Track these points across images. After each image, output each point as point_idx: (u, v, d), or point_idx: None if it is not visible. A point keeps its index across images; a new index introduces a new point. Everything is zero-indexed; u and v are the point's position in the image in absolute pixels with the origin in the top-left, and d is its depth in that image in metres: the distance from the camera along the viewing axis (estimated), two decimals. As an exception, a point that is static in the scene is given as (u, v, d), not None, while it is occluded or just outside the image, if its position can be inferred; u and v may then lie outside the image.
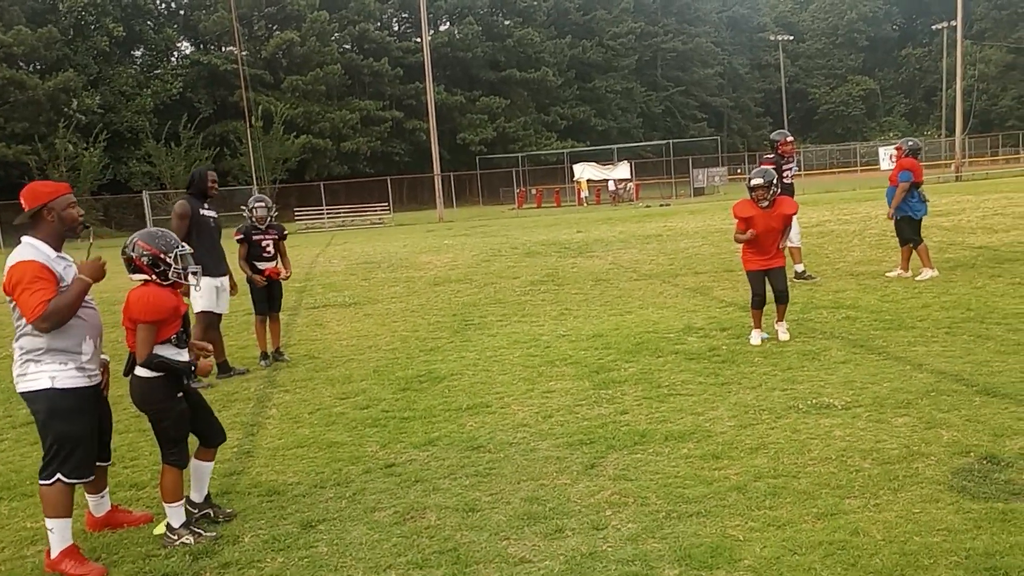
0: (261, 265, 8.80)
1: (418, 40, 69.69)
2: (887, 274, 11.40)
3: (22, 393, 4.14)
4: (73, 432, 4.11)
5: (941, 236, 15.62)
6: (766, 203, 7.79)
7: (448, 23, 79.29)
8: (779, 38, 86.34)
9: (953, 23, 55.31)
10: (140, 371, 4.28)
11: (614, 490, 4.56)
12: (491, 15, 77.72)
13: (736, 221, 7.98)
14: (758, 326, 8.01)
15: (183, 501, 4.40)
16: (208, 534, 4.34)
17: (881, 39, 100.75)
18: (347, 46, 71.97)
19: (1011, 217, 17.84)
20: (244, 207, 8.92)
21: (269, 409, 6.91)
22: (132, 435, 6.32)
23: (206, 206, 8.22)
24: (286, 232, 9.21)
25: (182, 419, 4.37)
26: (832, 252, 14.30)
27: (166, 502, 4.35)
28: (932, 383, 6.06)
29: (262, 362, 8.77)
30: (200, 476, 4.63)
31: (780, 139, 11.70)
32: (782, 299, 8.07)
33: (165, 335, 4.28)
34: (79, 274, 4.15)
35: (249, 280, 8.80)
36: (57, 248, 4.21)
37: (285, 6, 66.02)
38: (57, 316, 4.01)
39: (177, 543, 4.26)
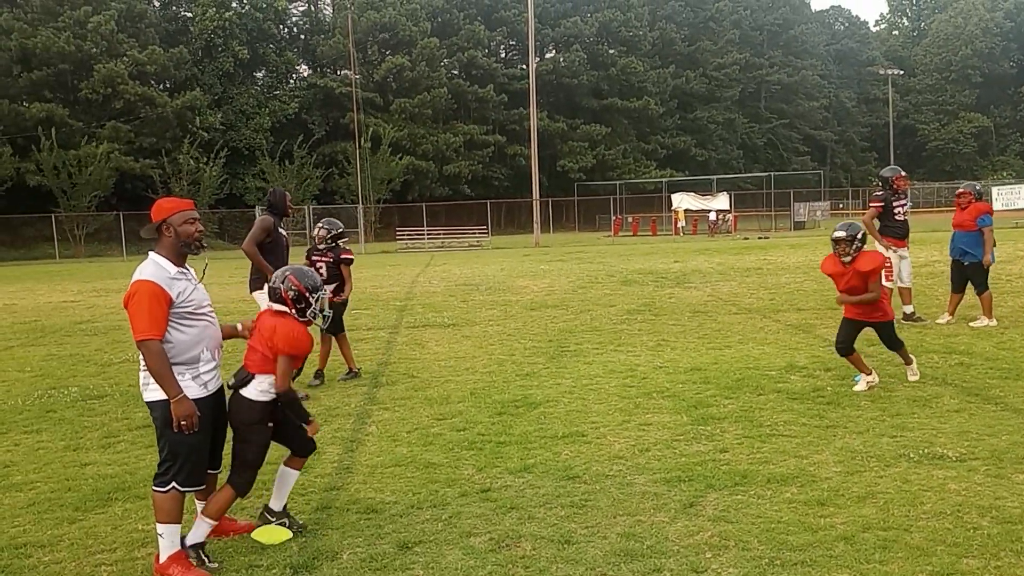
0: None
1: (524, 67, 70.56)
2: (936, 322, 10.93)
3: (147, 402, 4.33)
4: (188, 442, 4.26)
5: (1064, 283, 14.87)
6: (848, 259, 7.48)
7: (554, 51, 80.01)
8: (888, 72, 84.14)
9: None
10: (248, 392, 4.49)
11: (714, 532, 4.46)
12: (596, 44, 78.06)
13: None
14: (861, 370, 7.68)
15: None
16: (211, 564, 4.31)
17: (997, 76, 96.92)
18: (455, 71, 73.40)
19: None
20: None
21: (369, 426, 7.02)
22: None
23: (282, 225, 8.51)
24: (350, 258, 8.99)
25: (263, 447, 4.56)
26: (942, 294, 13.71)
27: (204, 515, 4.43)
28: (1056, 439, 5.74)
29: (313, 381, 8.75)
30: (285, 484, 4.76)
31: (893, 175, 11.34)
32: (892, 348, 7.76)
33: (294, 368, 4.55)
34: (183, 398, 4.18)
35: None
36: (178, 263, 4.38)
37: (398, 32, 67.80)
38: (149, 356, 4.16)
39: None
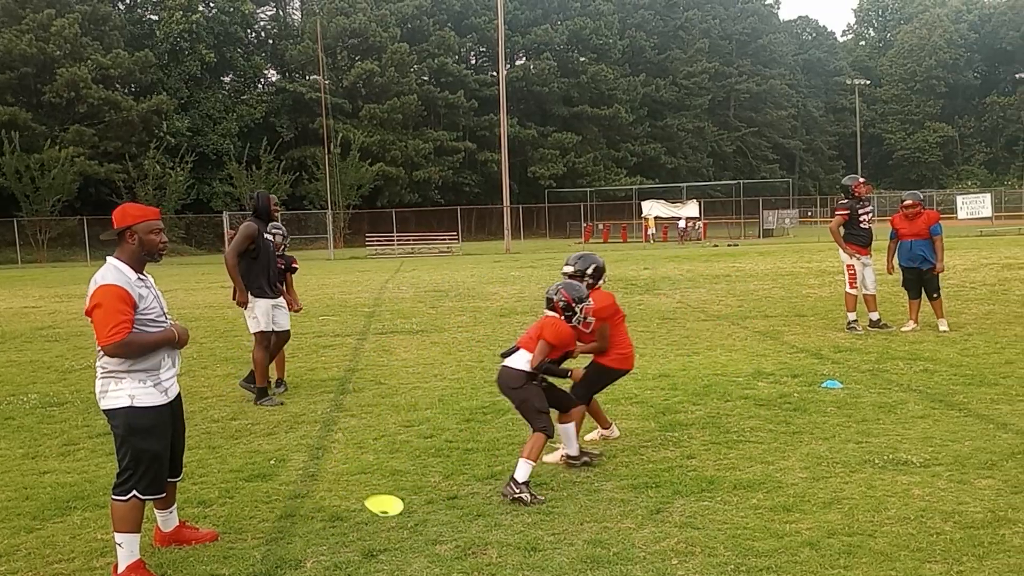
0: None
1: (494, 74, 70.60)
2: (902, 329, 11.05)
3: (104, 410, 4.25)
4: (150, 449, 4.18)
5: (1025, 290, 15.11)
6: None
7: (524, 58, 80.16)
8: (855, 82, 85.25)
9: (1040, 72, 54.01)
10: (511, 362, 5.47)
11: (680, 538, 4.45)
12: (567, 51, 78.35)
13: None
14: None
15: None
16: (539, 498, 5.08)
17: (961, 86, 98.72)
18: (425, 78, 73.25)
19: (1100, 274, 17.14)
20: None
21: (335, 433, 6.95)
22: (202, 452, 6.42)
23: (268, 229, 8.40)
24: (295, 265, 9.08)
25: (540, 396, 5.42)
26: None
27: (523, 456, 5.17)
28: (1018, 444, 5.80)
29: (278, 388, 8.71)
30: (568, 435, 5.71)
31: (852, 183, 11.47)
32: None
33: (551, 356, 5.45)
34: (174, 328, 4.34)
35: None
36: (138, 270, 4.31)
37: (367, 37, 67.59)
38: (129, 350, 4.11)
39: (517, 494, 5.06)
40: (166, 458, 4.32)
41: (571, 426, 5.70)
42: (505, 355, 5.55)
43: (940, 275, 11.08)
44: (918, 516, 4.59)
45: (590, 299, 5.58)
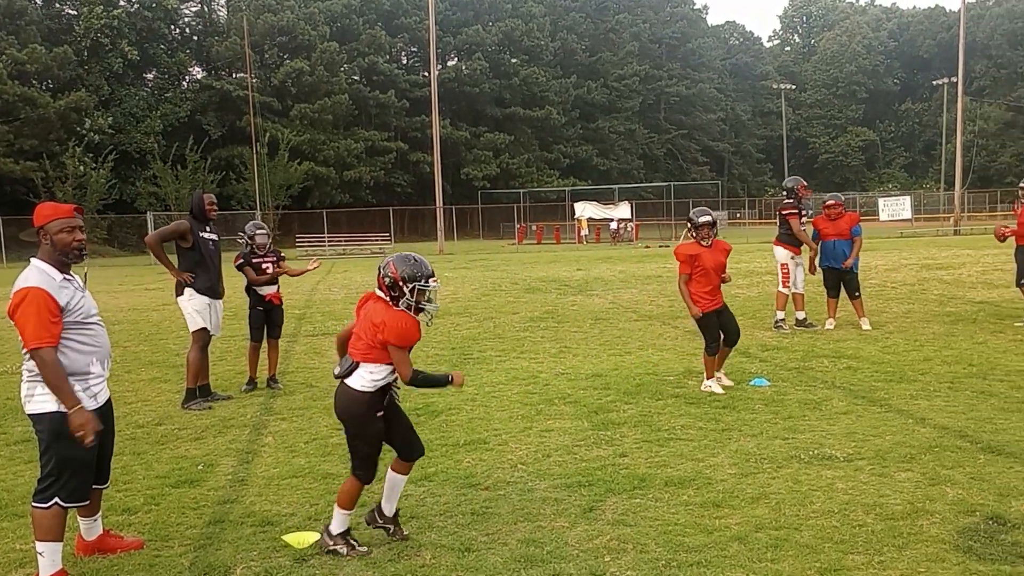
0: (261, 290, 8.80)
1: (426, 74, 70.22)
2: (826, 327, 11.36)
3: (29, 415, 4.11)
4: (76, 456, 4.06)
5: (942, 289, 15.65)
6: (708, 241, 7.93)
7: (456, 59, 80.00)
8: (781, 87, 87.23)
9: (953, 79, 56.09)
10: (352, 382, 4.37)
11: (613, 535, 4.50)
12: (499, 52, 78.42)
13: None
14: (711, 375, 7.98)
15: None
16: (360, 548, 4.42)
17: (882, 92, 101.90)
18: (355, 77, 72.50)
19: (1011, 273, 17.82)
20: (243, 233, 8.94)
21: (265, 437, 6.84)
22: (127, 458, 6.25)
23: (208, 228, 8.24)
24: (284, 257, 9.24)
25: (376, 438, 4.45)
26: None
27: (339, 506, 4.44)
28: (935, 438, 6.01)
29: (245, 387, 8.75)
30: (393, 488, 4.64)
31: (796, 184, 11.72)
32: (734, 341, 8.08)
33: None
34: (80, 408, 3.98)
35: (250, 306, 8.82)
36: (62, 270, 4.17)
37: (296, 35, 66.60)
38: (44, 368, 3.96)
39: (332, 547, 4.40)
40: (93, 465, 4.20)
41: (402, 479, 4.66)
42: (342, 372, 4.43)
43: (859, 275, 11.42)
44: (842, 509, 4.72)
45: (430, 282, 4.41)
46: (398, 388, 4.54)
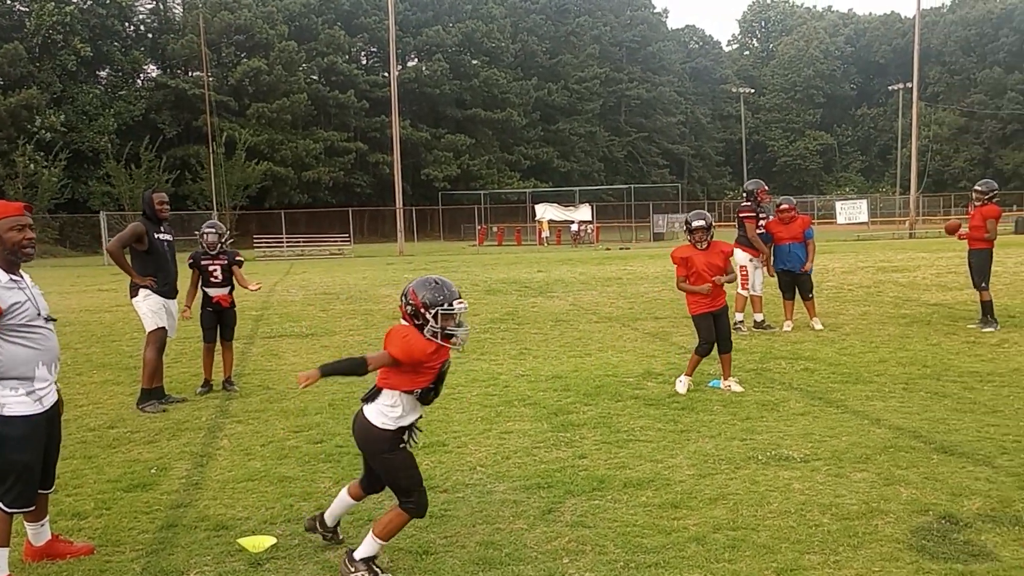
0: (210, 292, 8.64)
1: (386, 75, 69.93)
2: (783, 329, 11.49)
3: None
4: (20, 460, 3.96)
5: (897, 292, 15.91)
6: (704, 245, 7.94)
7: (416, 59, 79.76)
8: (740, 90, 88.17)
9: (908, 85, 57.14)
10: (371, 414, 4.06)
11: (571, 537, 4.49)
12: (459, 54, 78.31)
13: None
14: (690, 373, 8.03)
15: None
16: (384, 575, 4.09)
17: (839, 97, 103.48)
18: (314, 77, 71.99)
19: (964, 276, 18.13)
20: (197, 232, 8.80)
21: (220, 440, 6.73)
22: (77, 461, 6.11)
23: (162, 229, 8.12)
24: (241, 259, 8.93)
25: (409, 467, 4.09)
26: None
27: (374, 534, 4.06)
28: (890, 439, 6.09)
29: (200, 390, 8.62)
30: (343, 507, 4.51)
31: (757, 188, 11.84)
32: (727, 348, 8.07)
33: (414, 385, 4.05)
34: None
35: (201, 306, 8.68)
36: (10, 271, 4.06)
37: (254, 34, 65.94)
38: None
39: (353, 574, 4.05)
40: (38, 470, 4.10)
41: (353, 504, 4.52)
42: (366, 396, 4.17)
43: (813, 276, 11.59)
44: (798, 509, 4.76)
45: (454, 305, 4.07)
46: (419, 430, 4.29)
